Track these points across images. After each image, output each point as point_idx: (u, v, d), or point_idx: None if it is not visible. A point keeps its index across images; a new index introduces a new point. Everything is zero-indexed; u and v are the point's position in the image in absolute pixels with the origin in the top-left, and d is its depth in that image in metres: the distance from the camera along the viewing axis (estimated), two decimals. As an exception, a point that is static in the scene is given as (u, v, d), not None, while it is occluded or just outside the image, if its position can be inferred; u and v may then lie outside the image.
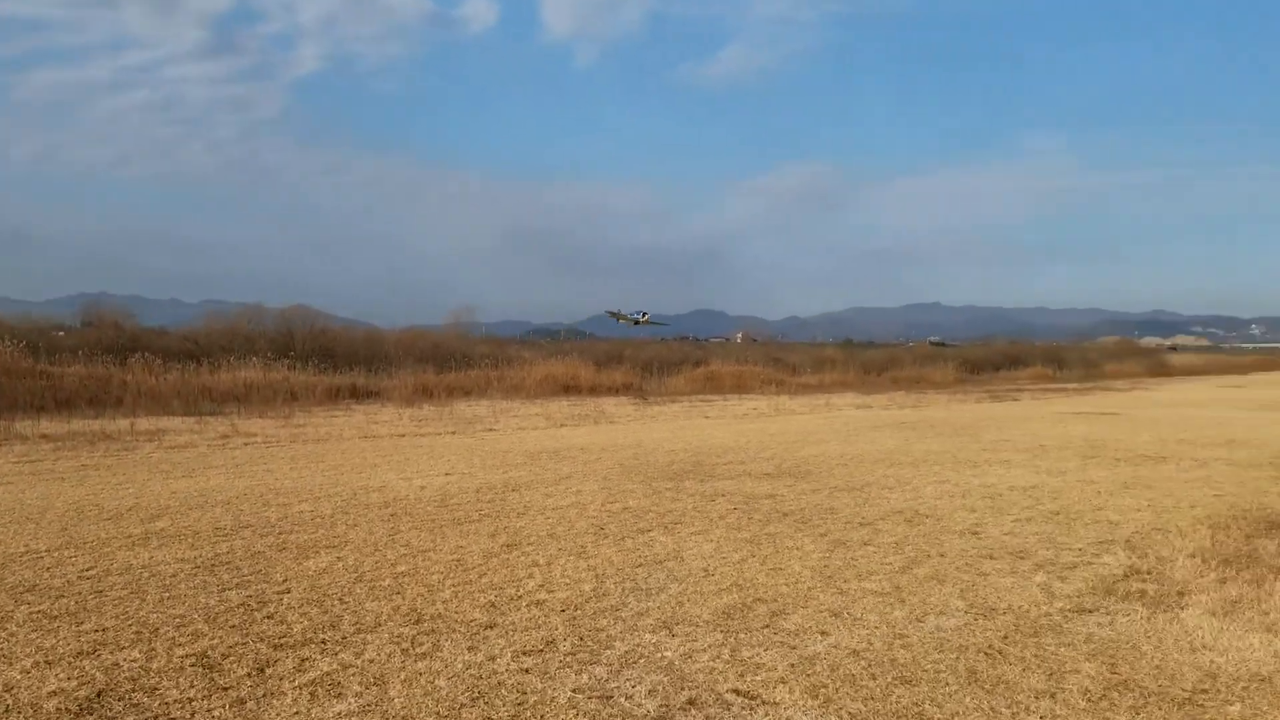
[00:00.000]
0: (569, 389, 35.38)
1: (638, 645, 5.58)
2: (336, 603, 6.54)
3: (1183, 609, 6.26)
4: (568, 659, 5.34)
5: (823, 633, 5.82)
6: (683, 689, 4.88)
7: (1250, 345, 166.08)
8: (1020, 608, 6.38)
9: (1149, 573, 7.27)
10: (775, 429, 21.40)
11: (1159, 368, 71.69)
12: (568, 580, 7.15)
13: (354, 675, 5.10)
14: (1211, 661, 5.28)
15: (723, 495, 11.27)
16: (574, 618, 6.15)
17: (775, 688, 4.90)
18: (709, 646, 5.55)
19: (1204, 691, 4.84)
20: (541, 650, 5.50)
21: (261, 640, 5.69)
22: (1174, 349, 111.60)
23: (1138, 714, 4.56)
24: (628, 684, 4.95)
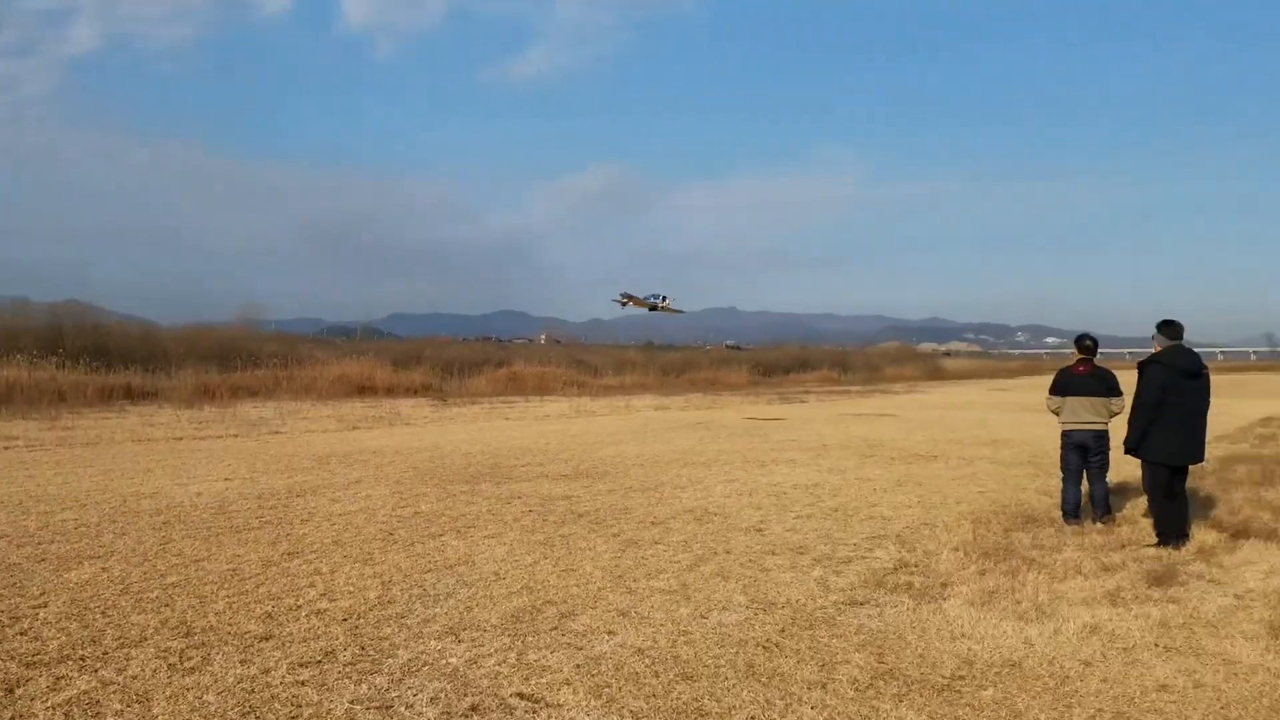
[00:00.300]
0: (364, 390, 34.44)
1: (422, 653, 5.47)
2: (99, 616, 6.13)
3: (945, 600, 6.66)
4: (347, 669, 5.19)
5: (610, 632, 5.88)
6: (465, 695, 4.82)
7: (1016, 351, 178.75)
8: (798, 601, 6.63)
9: (916, 566, 7.70)
10: (575, 430, 21.52)
11: (935, 371, 76.20)
12: (351, 588, 6.94)
13: (115, 693, 4.78)
14: (969, 649, 5.63)
15: (519, 497, 11.22)
16: (356, 627, 5.98)
17: (560, 689, 4.91)
18: (495, 651, 5.51)
19: (961, 678, 5.16)
20: (320, 661, 5.31)
21: (12, 658, 5.27)
22: (948, 354, 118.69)
23: (901, 701, 4.82)
24: (409, 692, 4.85)
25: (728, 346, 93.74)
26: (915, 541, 8.70)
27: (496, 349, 60.60)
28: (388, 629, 5.94)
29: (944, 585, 7.04)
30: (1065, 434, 9.77)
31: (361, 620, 6.12)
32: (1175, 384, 8.37)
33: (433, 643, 5.66)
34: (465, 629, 5.94)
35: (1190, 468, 8.96)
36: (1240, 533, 8.90)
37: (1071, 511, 9.62)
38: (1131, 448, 8.66)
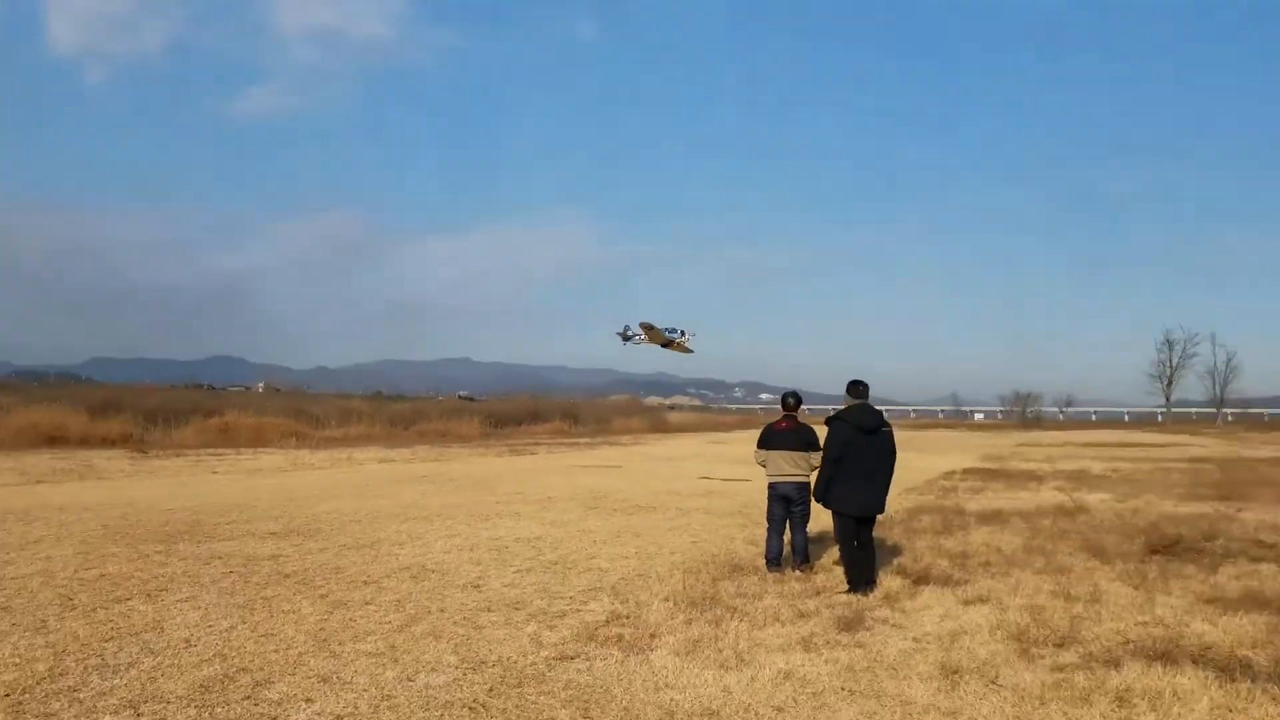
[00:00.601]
0: (54, 440, 31.56)
1: (93, 731, 5.01)
2: None
3: (652, 650, 6.81)
4: (2, 755, 4.67)
5: (308, 700, 5.61)
6: (140, 776, 4.45)
7: (734, 406, 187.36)
8: (509, 659, 6.59)
9: (628, 617, 7.84)
10: (290, 484, 20.57)
11: (660, 424, 78.57)
12: (19, 659, 6.28)
13: None
14: (671, 699, 5.77)
15: (220, 557, 10.56)
16: (19, 703, 5.40)
17: (248, 764, 4.63)
18: (179, 725, 5.12)
19: (662, 727, 5.28)
20: (-31, 747, 4.75)
21: None
22: (672, 408, 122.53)
23: (603, 754, 4.87)
24: (73, 777, 4.42)
25: (460, 397, 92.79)
26: (629, 593, 8.88)
27: (209, 397, 57.10)
28: (57, 704, 5.41)
29: (652, 636, 7.21)
30: (771, 486, 10.30)
31: (27, 695, 5.54)
32: (856, 439, 9.07)
33: (108, 718, 5.20)
34: (146, 701, 5.50)
35: (880, 517, 9.68)
36: (921, 579, 9.66)
37: (774, 560, 10.14)
38: (818, 498, 9.33)
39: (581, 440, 50.88)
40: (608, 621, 7.70)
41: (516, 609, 8.18)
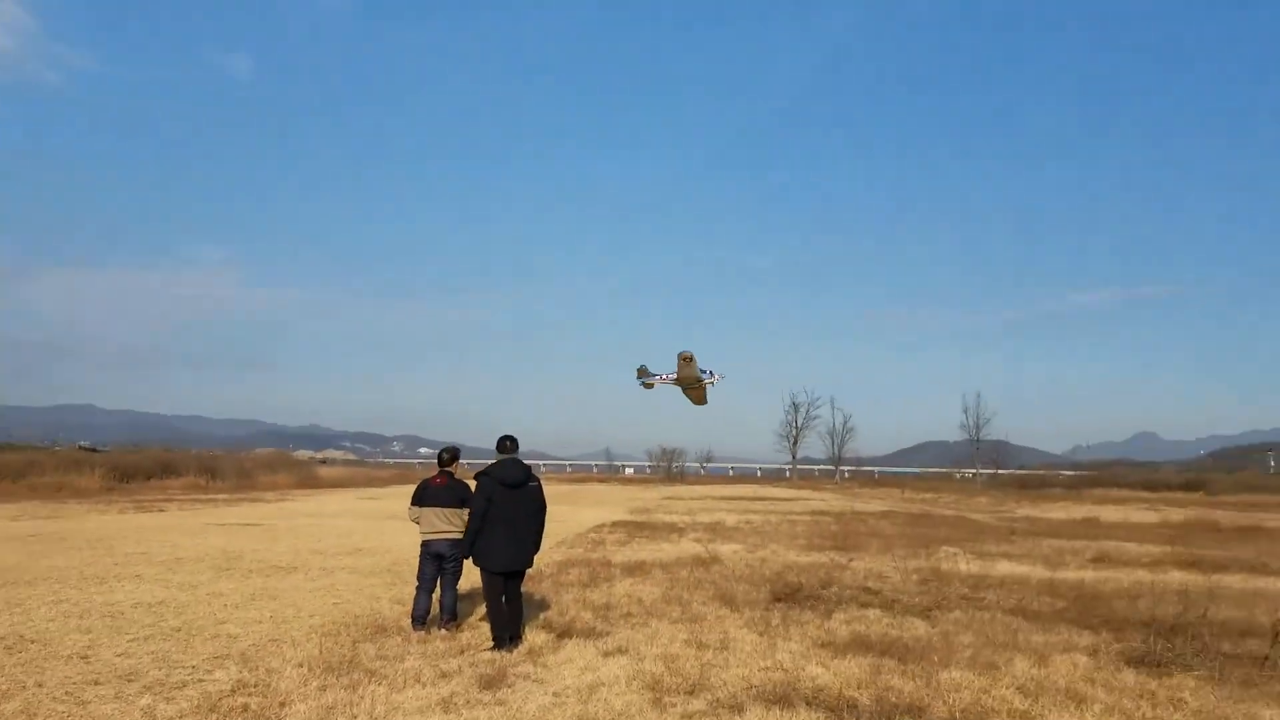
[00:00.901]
0: None
1: None
2: None
3: None
4: None
5: None
6: None
7: (391, 460, 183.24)
8: (116, 737, 6.01)
9: (256, 686, 7.39)
10: None
11: (310, 479, 75.01)
12: None
13: None
14: (300, 768, 5.49)
15: None
16: None
17: None
18: None
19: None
20: None
21: None
22: (324, 462, 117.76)
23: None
24: None
25: (81, 447, 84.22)
26: (260, 660, 8.36)
27: None
28: None
29: (282, 705, 6.84)
30: (424, 544, 10.14)
31: None
32: (500, 494, 9.20)
33: None
34: None
35: (530, 571, 9.80)
36: (566, 632, 9.86)
37: (420, 619, 9.95)
38: (466, 553, 9.36)
39: (220, 496, 47.48)
40: (233, 691, 7.22)
41: (130, 681, 7.49)
